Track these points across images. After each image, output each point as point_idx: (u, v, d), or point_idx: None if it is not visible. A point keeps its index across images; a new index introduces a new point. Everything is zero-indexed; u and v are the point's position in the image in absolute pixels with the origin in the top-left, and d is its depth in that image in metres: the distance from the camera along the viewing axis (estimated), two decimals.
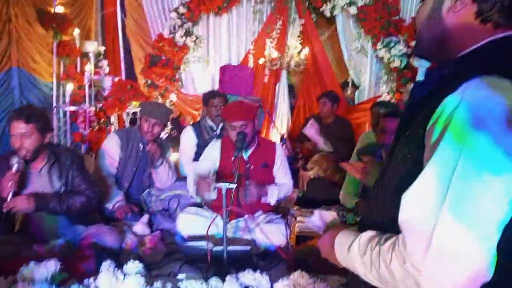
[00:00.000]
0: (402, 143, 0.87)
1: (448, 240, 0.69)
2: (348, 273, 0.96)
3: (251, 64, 5.18)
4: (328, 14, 4.98)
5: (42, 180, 2.21)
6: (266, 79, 5.25)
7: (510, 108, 0.69)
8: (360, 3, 4.77)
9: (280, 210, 2.97)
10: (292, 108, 5.47)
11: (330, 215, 1.21)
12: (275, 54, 5.10)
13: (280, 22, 5.06)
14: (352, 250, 0.88)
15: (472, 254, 0.68)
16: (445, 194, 0.70)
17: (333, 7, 4.87)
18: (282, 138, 4.09)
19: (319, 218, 1.21)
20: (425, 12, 0.92)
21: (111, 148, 2.93)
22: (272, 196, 2.66)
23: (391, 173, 0.89)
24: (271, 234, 2.49)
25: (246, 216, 2.53)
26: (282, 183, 2.82)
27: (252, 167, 2.68)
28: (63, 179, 2.24)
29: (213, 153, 2.76)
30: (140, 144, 2.98)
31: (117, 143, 2.92)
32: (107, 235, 2.25)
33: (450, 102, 0.73)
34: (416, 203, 0.75)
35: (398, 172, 0.86)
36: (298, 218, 2.70)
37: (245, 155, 2.70)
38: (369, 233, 0.87)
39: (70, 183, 2.26)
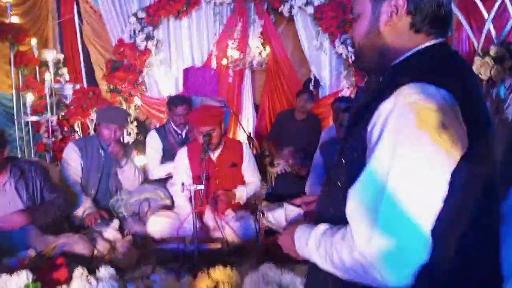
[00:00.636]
0: (348, 145, 0.95)
1: (388, 229, 0.78)
2: (309, 263, 1.03)
3: (214, 65, 5.24)
4: (286, 14, 5.12)
5: (8, 195, 2.21)
6: (230, 80, 5.32)
7: (434, 112, 0.78)
8: (316, 3, 4.93)
9: (250, 206, 3.07)
10: (256, 107, 5.57)
11: (294, 211, 1.31)
12: (237, 54, 5.18)
13: (240, 24, 5.14)
14: (309, 243, 0.96)
15: (409, 240, 0.78)
16: (383, 189, 0.80)
17: (291, 7, 5.01)
18: (248, 137, 4.17)
19: (283, 213, 1.31)
20: (363, 28, 0.99)
21: (72, 159, 2.92)
22: (241, 197, 2.76)
23: (340, 171, 0.97)
24: (241, 230, 2.58)
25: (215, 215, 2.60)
26: (250, 181, 2.92)
27: (220, 168, 2.76)
28: (31, 192, 2.25)
29: (182, 162, 2.81)
30: (101, 151, 2.98)
31: (76, 153, 2.92)
32: (78, 243, 2.27)
33: (384, 108, 0.83)
34: (359, 197, 0.84)
35: (345, 170, 0.94)
36: (266, 214, 2.81)
37: (213, 157, 2.77)
38: (322, 227, 0.95)
39: (39, 195, 2.27)
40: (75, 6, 4.95)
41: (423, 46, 0.93)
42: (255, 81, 5.66)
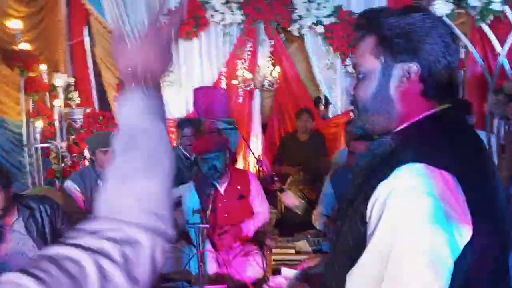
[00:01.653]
0: (349, 214, 0.91)
1: None
2: None
3: (224, 85, 5.22)
4: (296, 33, 5.08)
5: (17, 236, 2.18)
6: (240, 100, 5.29)
7: (433, 197, 0.75)
8: (326, 22, 4.88)
9: (259, 235, 3.00)
10: (263, 126, 5.53)
11: (291, 272, 1.25)
12: (247, 75, 5.15)
13: (250, 44, 5.12)
14: None
15: None
16: (382, 274, 0.78)
17: (300, 27, 4.97)
18: (258, 160, 4.13)
19: (283, 278, 1.26)
20: (370, 90, 0.93)
21: (72, 195, 2.89)
22: (248, 231, 2.70)
23: (342, 241, 0.93)
24: (247, 267, 2.52)
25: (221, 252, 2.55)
26: (258, 212, 2.86)
27: (229, 201, 2.71)
28: (41, 230, 2.21)
29: (191, 197, 2.76)
30: (99, 181, 2.94)
31: (75, 189, 2.88)
32: None
33: (382, 190, 0.80)
34: (358, 281, 0.82)
35: (346, 241, 0.90)
36: (274, 250, 2.74)
37: (221, 189, 2.72)
38: None
39: (50, 233, 2.24)
40: (86, 28, 5.00)
41: (430, 112, 0.89)
42: (264, 100, 5.62)
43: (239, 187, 2.78)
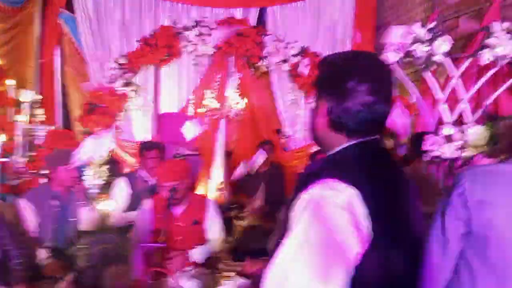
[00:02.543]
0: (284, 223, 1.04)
1: None
2: None
3: (191, 113, 5.35)
4: (264, 69, 5.34)
5: None
6: (206, 128, 5.41)
7: (339, 208, 0.89)
8: (293, 61, 5.17)
9: (212, 260, 3.05)
10: (228, 154, 5.66)
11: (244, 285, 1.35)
12: (215, 104, 5.31)
13: (220, 75, 5.32)
14: None
15: None
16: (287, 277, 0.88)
17: (269, 63, 5.23)
18: (218, 188, 4.23)
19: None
20: (314, 118, 1.11)
21: (25, 215, 2.85)
22: (198, 258, 2.75)
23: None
24: None
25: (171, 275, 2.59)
26: (212, 239, 2.92)
27: (183, 225, 2.77)
28: None
29: (144, 215, 2.82)
30: (53, 201, 2.91)
31: (30, 208, 2.85)
32: None
33: (302, 198, 0.94)
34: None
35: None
36: (225, 273, 2.80)
37: (177, 213, 2.79)
38: None
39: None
40: (58, 48, 5.06)
41: (347, 144, 1.04)
42: (229, 129, 5.78)
43: (195, 213, 2.85)
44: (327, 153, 1.09)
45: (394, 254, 0.96)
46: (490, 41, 2.39)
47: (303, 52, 5.20)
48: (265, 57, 5.22)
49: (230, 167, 5.65)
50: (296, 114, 5.47)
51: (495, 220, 1.28)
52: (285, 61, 5.19)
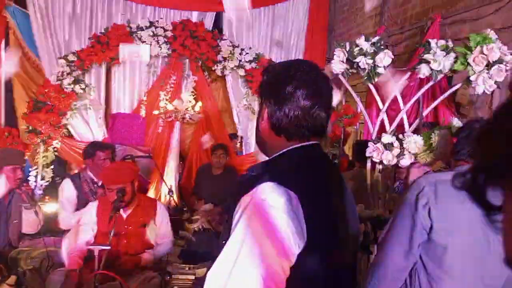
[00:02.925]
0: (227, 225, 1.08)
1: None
2: None
3: (143, 114, 5.26)
4: (219, 73, 5.38)
5: None
6: (160, 130, 5.35)
7: (279, 210, 0.95)
8: (247, 67, 5.24)
9: (161, 263, 3.04)
10: (183, 158, 5.63)
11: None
12: (170, 106, 5.27)
13: (174, 77, 5.28)
14: None
15: None
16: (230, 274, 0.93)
17: (224, 68, 5.28)
18: (169, 191, 4.20)
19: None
20: (257, 123, 1.15)
21: None
22: (148, 262, 2.74)
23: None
24: None
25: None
26: (161, 242, 2.91)
27: (130, 227, 2.75)
28: None
29: (89, 217, 2.77)
30: None
31: None
32: None
33: (244, 201, 0.99)
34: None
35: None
36: (174, 276, 2.81)
37: (124, 215, 2.76)
38: None
39: None
40: (3, 42, 4.81)
41: (287, 149, 1.09)
42: (184, 132, 5.75)
43: (143, 216, 2.83)
44: (269, 157, 1.14)
45: (329, 255, 1.03)
46: (428, 56, 2.59)
47: (258, 58, 5.29)
48: (220, 61, 5.26)
49: (183, 170, 5.63)
50: (250, 119, 5.54)
51: (456, 231, 1.40)
52: (240, 66, 5.25)
